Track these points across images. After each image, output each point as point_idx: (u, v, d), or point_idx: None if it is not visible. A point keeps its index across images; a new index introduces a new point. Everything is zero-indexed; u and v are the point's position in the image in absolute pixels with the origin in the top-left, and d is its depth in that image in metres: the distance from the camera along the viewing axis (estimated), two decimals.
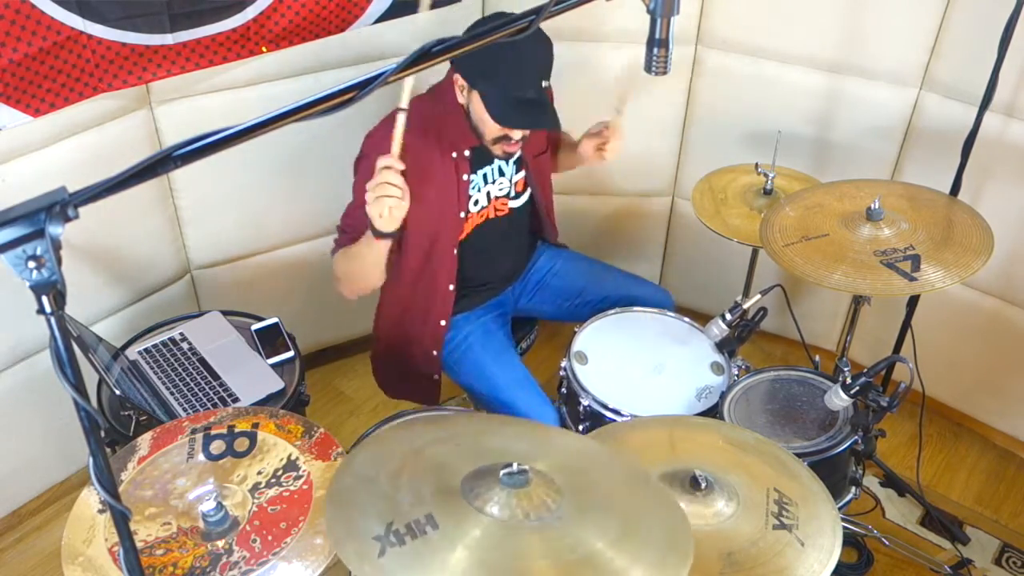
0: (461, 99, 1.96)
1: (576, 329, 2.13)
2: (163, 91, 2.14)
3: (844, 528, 1.46)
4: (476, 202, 2.09)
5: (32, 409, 2.24)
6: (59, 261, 0.76)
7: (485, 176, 2.09)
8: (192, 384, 1.96)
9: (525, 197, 2.19)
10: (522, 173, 2.15)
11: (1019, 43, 2.02)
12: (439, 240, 2.05)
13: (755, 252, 2.49)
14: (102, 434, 0.90)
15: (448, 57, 0.95)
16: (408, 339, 2.17)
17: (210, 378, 1.98)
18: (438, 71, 2.04)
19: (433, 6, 2.34)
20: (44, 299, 0.78)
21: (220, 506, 1.39)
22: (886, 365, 1.90)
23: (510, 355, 2.16)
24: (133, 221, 2.24)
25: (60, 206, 0.75)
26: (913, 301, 2.42)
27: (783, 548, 1.34)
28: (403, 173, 1.97)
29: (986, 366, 2.56)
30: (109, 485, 0.89)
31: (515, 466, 1.19)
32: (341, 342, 2.83)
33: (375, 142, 2.00)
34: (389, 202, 1.74)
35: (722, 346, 2.09)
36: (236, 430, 1.57)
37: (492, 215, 2.15)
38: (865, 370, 1.83)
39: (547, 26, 1.04)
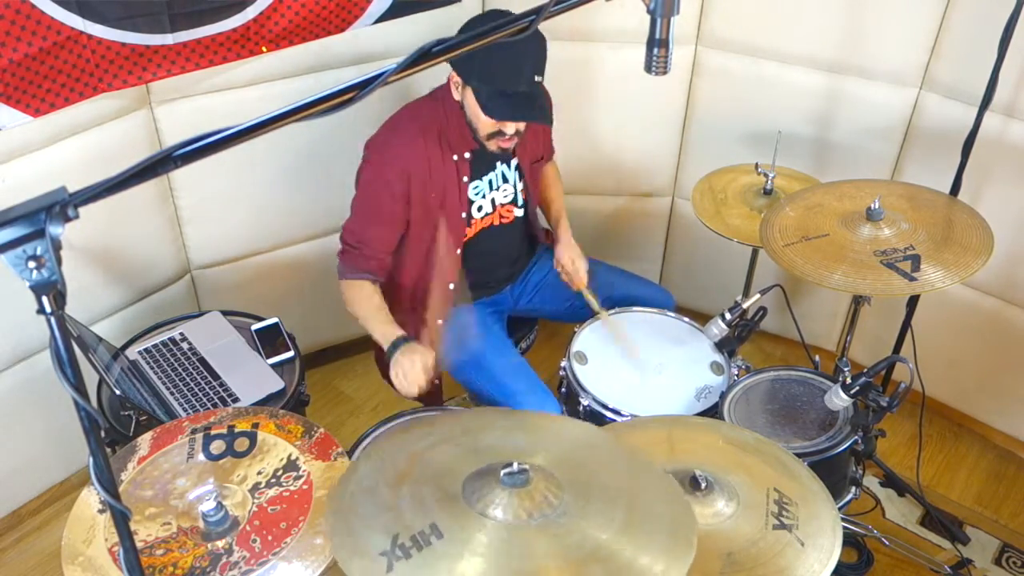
0: (456, 95, 1.96)
1: (576, 329, 2.13)
2: (163, 91, 2.14)
3: (844, 528, 1.46)
4: (480, 208, 2.10)
5: (32, 409, 2.24)
6: (59, 261, 0.76)
7: (490, 182, 2.09)
8: (192, 384, 1.96)
9: (526, 206, 2.20)
10: (523, 182, 2.16)
11: (1019, 43, 2.02)
12: (441, 241, 2.06)
13: (755, 252, 2.49)
14: (102, 434, 0.90)
15: (448, 57, 0.95)
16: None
17: (210, 378, 1.98)
18: (439, 74, 2.04)
19: (433, 6, 2.34)
20: (44, 299, 0.78)
21: (220, 506, 1.39)
22: (886, 365, 1.90)
23: (508, 347, 2.17)
24: (133, 221, 2.24)
25: (60, 206, 0.75)
26: (913, 301, 2.42)
27: (783, 548, 1.34)
28: (408, 177, 1.98)
29: (986, 366, 2.56)
30: (109, 485, 0.89)
31: (515, 466, 1.19)
32: (341, 342, 2.83)
33: (376, 148, 2.00)
34: (414, 383, 1.91)
35: (722, 346, 2.09)
36: (236, 430, 1.57)
37: (498, 222, 2.15)
38: (865, 370, 1.83)
39: (546, 26, 1.04)
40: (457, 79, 1.92)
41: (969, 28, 2.21)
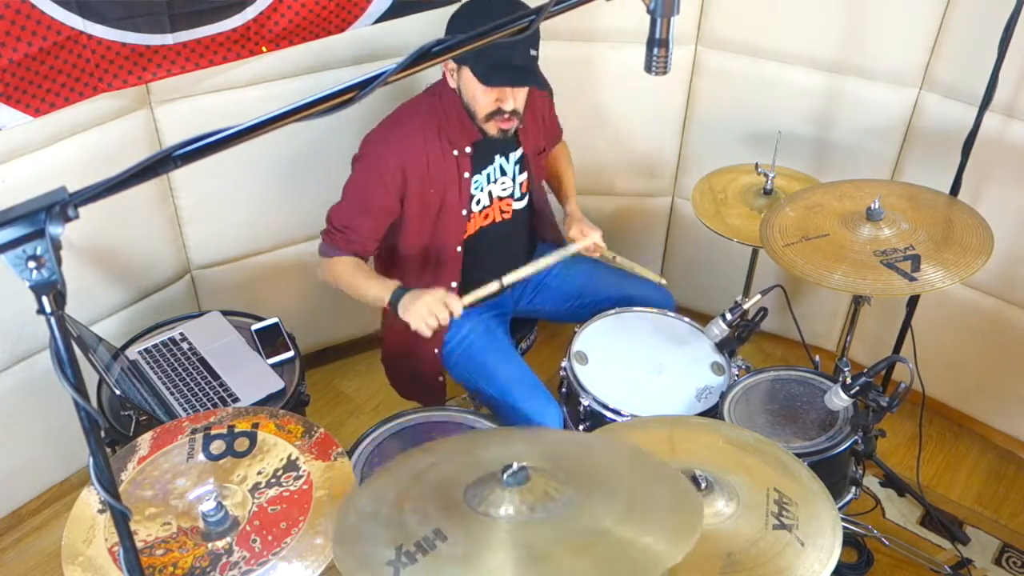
0: (452, 83, 1.95)
1: (576, 329, 2.13)
2: (163, 91, 2.14)
3: (844, 528, 1.46)
4: (478, 202, 2.09)
5: (32, 409, 2.24)
6: (59, 261, 0.76)
7: (488, 176, 2.09)
8: (192, 384, 1.96)
9: (527, 199, 2.19)
10: (525, 174, 2.15)
11: (1019, 43, 2.02)
12: (442, 238, 2.05)
13: (755, 252, 2.49)
14: (102, 434, 0.90)
15: (448, 57, 0.95)
16: (412, 338, 2.17)
17: (210, 378, 1.98)
18: (439, 74, 2.04)
19: (433, 6, 2.34)
20: (44, 299, 0.78)
21: (220, 506, 1.39)
22: (886, 365, 1.90)
23: (511, 353, 2.16)
24: (133, 221, 2.24)
25: (60, 206, 0.75)
26: (913, 301, 2.42)
27: (783, 548, 1.34)
28: (404, 174, 1.98)
29: (986, 366, 2.56)
30: (109, 485, 0.89)
31: (515, 465, 1.19)
32: (341, 342, 2.83)
33: (374, 143, 2.00)
34: (428, 326, 1.87)
35: (722, 346, 2.09)
36: (236, 430, 1.56)
37: (498, 218, 2.15)
38: (865, 370, 1.83)
39: (546, 26, 1.04)
40: (452, 65, 1.91)
41: (969, 28, 2.21)
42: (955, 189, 2.20)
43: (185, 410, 1.90)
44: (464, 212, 2.06)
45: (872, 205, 1.97)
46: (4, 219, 0.74)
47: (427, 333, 1.89)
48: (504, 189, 2.13)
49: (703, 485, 1.41)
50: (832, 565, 1.32)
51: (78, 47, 1.91)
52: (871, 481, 2.48)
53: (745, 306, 2.08)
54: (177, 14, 2.00)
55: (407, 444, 1.84)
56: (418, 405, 2.14)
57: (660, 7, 1.12)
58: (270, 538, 1.38)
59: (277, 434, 1.55)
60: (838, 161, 2.53)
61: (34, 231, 0.74)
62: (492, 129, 1.96)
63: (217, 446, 1.54)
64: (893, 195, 2.07)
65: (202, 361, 2.03)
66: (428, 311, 1.87)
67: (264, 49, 2.17)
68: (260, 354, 2.05)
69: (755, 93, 2.56)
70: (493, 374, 2.09)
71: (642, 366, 2.06)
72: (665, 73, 1.19)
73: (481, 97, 1.90)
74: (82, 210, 0.77)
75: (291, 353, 2.06)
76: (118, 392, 1.81)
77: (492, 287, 1.95)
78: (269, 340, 2.09)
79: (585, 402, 1.95)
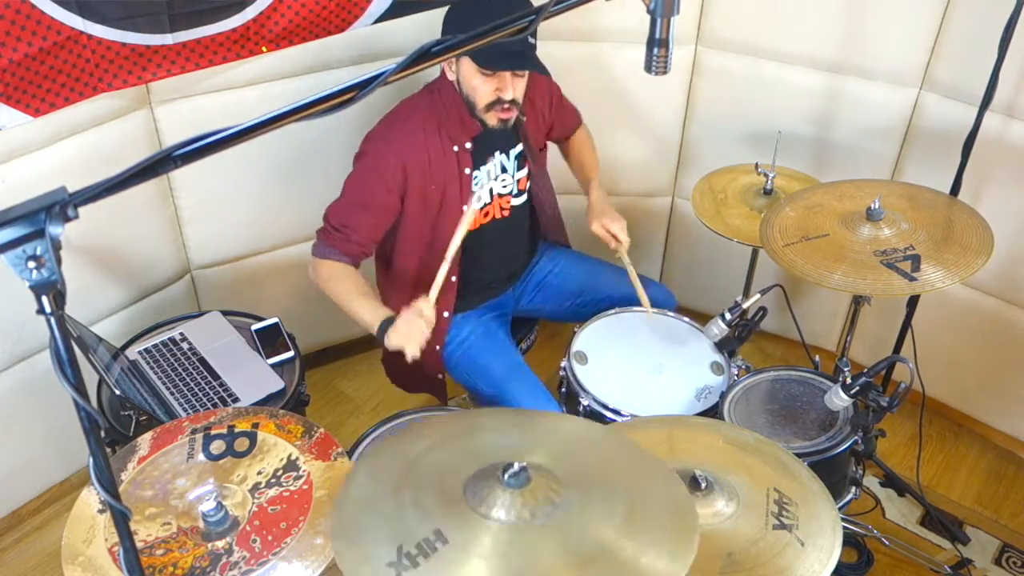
0: (451, 75, 1.95)
1: (576, 329, 2.13)
2: (163, 91, 2.14)
3: (844, 528, 1.46)
4: (479, 198, 2.09)
5: (32, 409, 2.24)
6: (59, 261, 0.76)
7: (488, 172, 2.09)
8: (192, 384, 1.96)
9: (526, 195, 2.19)
10: (525, 170, 2.15)
11: (1019, 43, 2.02)
12: (442, 235, 2.05)
13: (755, 252, 2.49)
14: (102, 434, 0.90)
15: (448, 57, 0.95)
16: None
17: (210, 378, 1.98)
18: (438, 73, 2.04)
19: (433, 6, 2.34)
20: (44, 299, 0.78)
21: (220, 506, 1.39)
22: (886, 365, 1.90)
23: (511, 354, 2.16)
24: (133, 221, 2.24)
25: (60, 206, 0.75)
26: (913, 301, 2.42)
27: (783, 548, 1.34)
28: (406, 171, 1.97)
29: (986, 366, 2.56)
30: (109, 485, 0.89)
31: (515, 466, 1.19)
32: (341, 342, 2.83)
33: (374, 140, 2.00)
34: (416, 342, 1.82)
35: (722, 346, 2.09)
36: (236, 430, 1.56)
37: (497, 215, 2.15)
38: (865, 370, 1.83)
39: (546, 26, 1.04)
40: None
41: (969, 28, 2.21)
42: (955, 189, 2.20)
43: (185, 410, 1.90)
44: (464, 208, 2.06)
45: (872, 205, 1.97)
46: (4, 219, 0.74)
47: (417, 352, 1.84)
48: (504, 186, 2.13)
49: (703, 485, 1.41)
50: (832, 565, 1.32)
51: (78, 47, 1.91)
52: (871, 481, 2.48)
53: (745, 306, 2.08)
54: (177, 14, 2.00)
55: None
56: (418, 405, 2.14)
57: (660, 7, 1.12)
58: (270, 538, 1.38)
59: (277, 434, 1.55)
60: (838, 161, 2.53)
61: (34, 231, 0.74)
62: (492, 119, 1.96)
63: (217, 446, 1.54)
64: (893, 195, 2.07)
65: (202, 361, 2.03)
66: (407, 331, 1.84)
67: (264, 49, 2.17)
68: (260, 354, 2.05)
69: (755, 93, 2.56)
70: (493, 375, 2.09)
71: (642, 366, 2.06)
72: (665, 73, 1.19)
73: (480, 87, 1.90)
74: (82, 210, 0.77)
75: (291, 353, 2.06)
76: (118, 392, 1.81)
77: (443, 270, 1.87)
78: (269, 340, 2.09)
79: (585, 402, 1.95)
